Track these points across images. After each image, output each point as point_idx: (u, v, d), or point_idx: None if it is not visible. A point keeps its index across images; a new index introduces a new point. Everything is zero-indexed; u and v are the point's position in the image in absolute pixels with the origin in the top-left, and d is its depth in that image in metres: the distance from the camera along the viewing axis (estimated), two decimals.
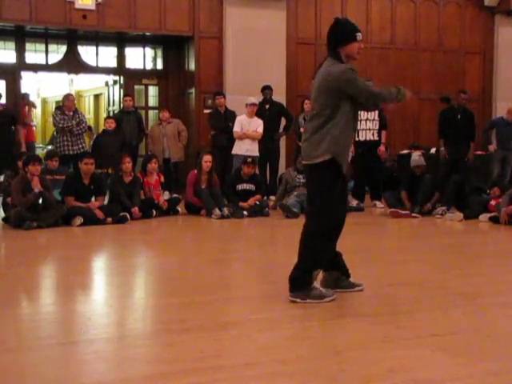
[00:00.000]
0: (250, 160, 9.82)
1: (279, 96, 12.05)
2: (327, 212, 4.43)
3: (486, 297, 4.83)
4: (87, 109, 16.76)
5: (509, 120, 12.26)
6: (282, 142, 12.14)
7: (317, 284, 4.54)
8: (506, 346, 3.57)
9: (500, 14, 14.17)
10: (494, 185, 9.62)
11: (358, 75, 4.40)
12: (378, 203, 10.51)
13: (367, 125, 10.09)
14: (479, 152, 13.10)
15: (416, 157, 10.02)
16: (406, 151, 12.78)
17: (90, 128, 13.55)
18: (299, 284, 4.45)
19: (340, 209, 4.56)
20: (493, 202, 9.08)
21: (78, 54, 13.14)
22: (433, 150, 12.33)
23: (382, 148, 10.44)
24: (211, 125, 11.44)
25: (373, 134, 10.29)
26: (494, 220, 8.71)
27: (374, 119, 10.30)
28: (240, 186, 9.75)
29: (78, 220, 8.29)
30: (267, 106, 11.50)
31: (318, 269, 4.57)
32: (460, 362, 3.29)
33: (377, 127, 10.34)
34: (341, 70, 4.37)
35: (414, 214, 9.38)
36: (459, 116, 11.15)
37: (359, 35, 4.47)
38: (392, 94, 4.46)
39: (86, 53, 13.40)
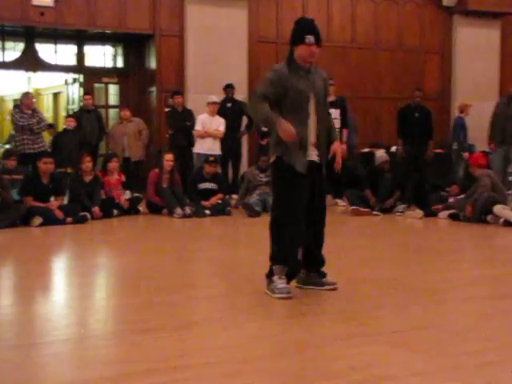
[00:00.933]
0: (212, 159, 9.80)
1: (241, 94, 12.04)
2: (283, 209, 4.53)
3: (444, 293, 4.90)
4: (46, 107, 16.53)
5: (463, 116, 12.45)
6: (244, 140, 12.15)
7: (279, 280, 4.54)
8: (465, 341, 3.62)
9: (458, 14, 14.38)
10: (453, 183, 9.76)
11: (275, 79, 4.42)
12: (339, 201, 10.58)
13: None
14: (439, 150, 13.27)
15: (381, 153, 10.11)
16: (367, 150, 12.88)
17: (51, 125, 13.40)
18: (268, 274, 4.61)
19: (303, 206, 4.56)
20: (451, 200, 9.22)
21: (36, 52, 12.95)
22: (393, 149, 12.44)
23: (343, 147, 10.30)
24: (169, 124, 11.38)
25: None
26: (453, 217, 8.85)
27: (334, 118, 10.29)
28: (202, 185, 9.72)
29: (37, 220, 8.18)
30: (229, 105, 11.47)
31: (283, 264, 4.56)
32: (420, 358, 3.32)
33: (338, 126, 10.35)
34: (271, 69, 4.54)
35: (374, 212, 9.47)
36: (416, 114, 11.24)
37: (308, 38, 4.38)
38: (267, 123, 4.54)
39: (45, 50, 13.21)
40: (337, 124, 10.31)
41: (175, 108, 11.35)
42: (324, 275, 4.82)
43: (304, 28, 4.47)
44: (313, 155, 4.59)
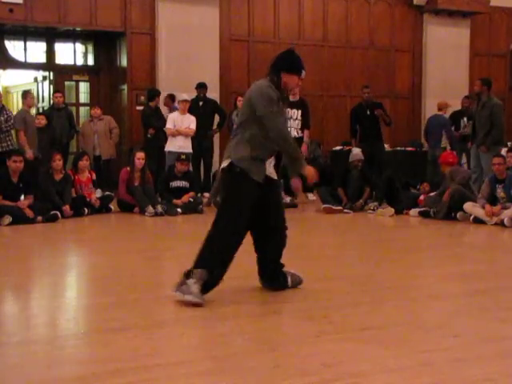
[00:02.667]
0: (183, 157, 9.76)
1: (212, 93, 12.02)
2: (229, 217, 4.38)
3: (415, 290, 4.94)
4: (15, 105, 16.33)
5: (443, 113, 12.52)
6: (216, 138, 12.12)
7: (194, 284, 4.27)
8: (435, 337, 3.65)
9: (428, 13, 14.51)
10: (424, 181, 9.86)
11: (273, 95, 4.40)
12: (309, 195, 10.62)
13: (290, 123, 9.97)
14: (410, 148, 13.39)
15: (357, 151, 10.16)
16: (338, 147, 12.95)
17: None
18: (187, 274, 4.34)
19: (247, 218, 4.41)
20: (422, 197, 9.31)
21: (6, 49, 12.80)
22: None
23: (303, 147, 10.11)
24: (149, 124, 11.08)
25: (297, 132, 10.21)
26: (424, 214, 8.93)
27: (296, 118, 10.24)
28: (173, 184, 9.68)
29: (7, 219, 8.08)
30: (201, 103, 11.43)
31: (209, 270, 4.34)
32: (391, 355, 3.34)
33: (299, 126, 10.29)
34: (265, 86, 4.45)
35: (345, 210, 9.52)
36: (368, 112, 11.30)
37: (304, 73, 4.66)
38: (296, 155, 4.47)
39: (14, 48, 13.06)
40: (298, 125, 10.27)
41: (150, 107, 11.24)
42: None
43: (300, 62, 4.66)
44: (272, 171, 4.56)
